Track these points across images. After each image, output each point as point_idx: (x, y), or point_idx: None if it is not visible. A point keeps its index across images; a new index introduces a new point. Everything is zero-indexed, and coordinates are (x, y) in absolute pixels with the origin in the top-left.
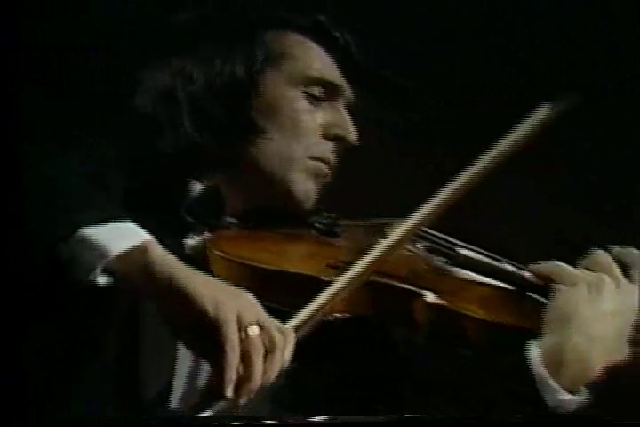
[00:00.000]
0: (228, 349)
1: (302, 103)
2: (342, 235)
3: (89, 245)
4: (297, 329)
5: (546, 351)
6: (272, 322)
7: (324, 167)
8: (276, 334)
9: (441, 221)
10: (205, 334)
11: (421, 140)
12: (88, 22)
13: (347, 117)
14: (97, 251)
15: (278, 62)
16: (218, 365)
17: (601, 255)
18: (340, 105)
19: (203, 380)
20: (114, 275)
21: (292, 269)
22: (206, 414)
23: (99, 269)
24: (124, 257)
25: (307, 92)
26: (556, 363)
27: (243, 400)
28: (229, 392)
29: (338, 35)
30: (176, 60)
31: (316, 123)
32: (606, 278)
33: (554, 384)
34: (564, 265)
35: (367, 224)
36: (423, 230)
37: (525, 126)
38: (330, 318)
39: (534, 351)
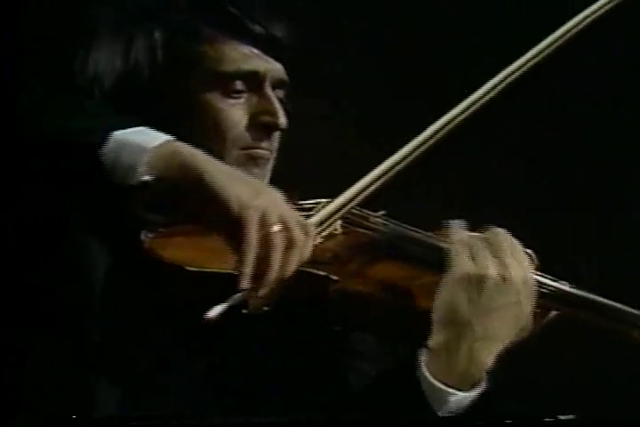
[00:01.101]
0: (245, 246)
1: (221, 101)
2: None
3: (126, 145)
4: (319, 225)
5: (433, 352)
6: (295, 219)
7: (260, 152)
8: (297, 233)
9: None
10: (228, 230)
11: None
12: None
13: (273, 102)
14: (135, 149)
15: (188, 66)
16: (237, 259)
17: (497, 235)
18: (267, 90)
19: None
20: (153, 172)
21: (215, 269)
22: (223, 305)
23: (142, 167)
24: (160, 152)
25: (226, 89)
26: (442, 364)
27: (260, 293)
28: (245, 284)
29: (239, 13)
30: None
31: (240, 115)
32: (490, 271)
33: (438, 385)
34: (456, 248)
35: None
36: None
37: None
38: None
39: (423, 351)
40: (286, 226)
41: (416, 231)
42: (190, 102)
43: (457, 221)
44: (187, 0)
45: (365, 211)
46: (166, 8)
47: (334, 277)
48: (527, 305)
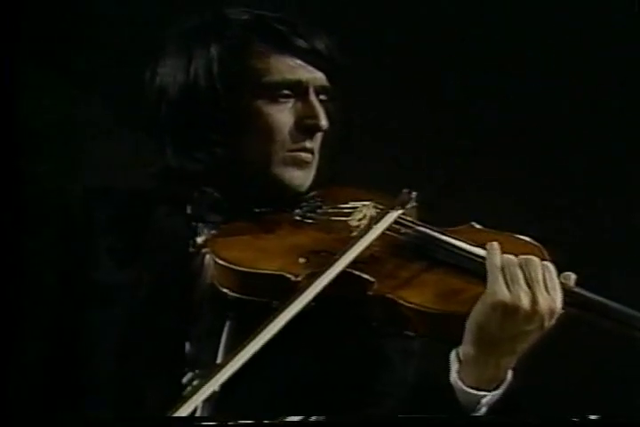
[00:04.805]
0: None
1: (270, 107)
2: (318, 221)
3: None
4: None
5: (464, 362)
6: None
7: (303, 156)
8: None
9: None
10: None
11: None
12: None
13: (316, 106)
14: None
15: (239, 77)
16: None
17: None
18: (311, 95)
19: None
20: None
21: (264, 269)
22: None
23: None
24: None
25: (273, 96)
26: (472, 373)
27: None
28: None
29: (285, 29)
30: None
31: (287, 120)
32: (522, 302)
33: (470, 391)
34: (498, 274)
35: (338, 210)
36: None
37: None
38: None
39: (453, 357)
40: None
41: (449, 236)
42: (243, 110)
43: (494, 244)
44: (238, 19)
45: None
46: (220, 26)
47: (371, 279)
48: (548, 326)
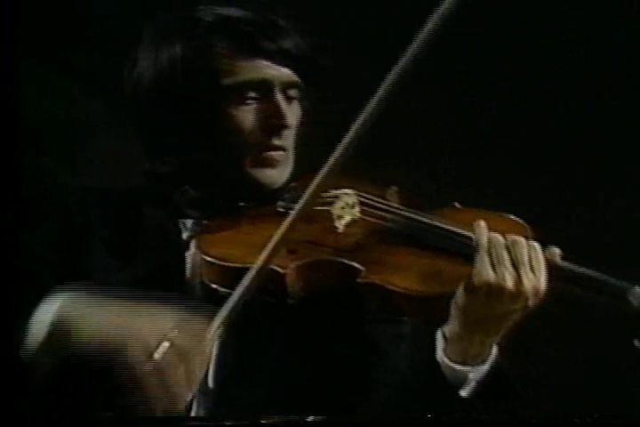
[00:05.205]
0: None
1: (236, 108)
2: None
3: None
4: (222, 324)
5: (450, 340)
6: (180, 336)
7: (273, 155)
8: (187, 347)
9: None
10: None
11: None
12: None
13: (280, 105)
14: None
15: (203, 79)
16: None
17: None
18: (276, 94)
19: None
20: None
21: (251, 264)
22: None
23: None
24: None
25: (240, 97)
26: (458, 350)
27: None
28: None
29: (250, 30)
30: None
31: (253, 120)
32: (508, 284)
33: (457, 366)
34: (485, 255)
35: (320, 199)
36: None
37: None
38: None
39: (439, 336)
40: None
41: (433, 218)
42: (208, 111)
43: (482, 223)
44: (204, 20)
45: (379, 199)
46: (187, 26)
47: (359, 267)
48: (534, 305)
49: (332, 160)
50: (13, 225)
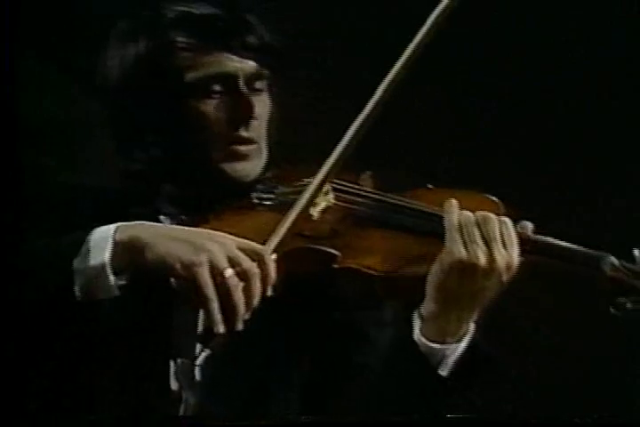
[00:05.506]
0: (205, 300)
1: (201, 103)
2: (275, 201)
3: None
4: (275, 250)
5: (426, 319)
6: (246, 253)
7: (242, 148)
8: (249, 266)
9: None
10: (187, 290)
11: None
12: None
13: (245, 96)
14: (95, 270)
15: (165, 75)
16: (205, 311)
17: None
18: (241, 86)
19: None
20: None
21: None
22: (205, 353)
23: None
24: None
25: (204, 92)
26: (435, 329)
27: (236, 328)
28: (220, 329)
29: (212, 25)
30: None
31: (219, 114)
32: (480, 261)
33: (434, 345)
34: (455, 232)
35: (293, 188)
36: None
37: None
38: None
39: (415, 316)
40: (237, 264)
41: (405, 200)
42: (173, 108)
43: (452, 202)
44: (166, 16)
45: (352, 184)
46: (150, 23)
47: (336, 252)
48: (508, 280)
49: (333, 156)
50: (13, 225)
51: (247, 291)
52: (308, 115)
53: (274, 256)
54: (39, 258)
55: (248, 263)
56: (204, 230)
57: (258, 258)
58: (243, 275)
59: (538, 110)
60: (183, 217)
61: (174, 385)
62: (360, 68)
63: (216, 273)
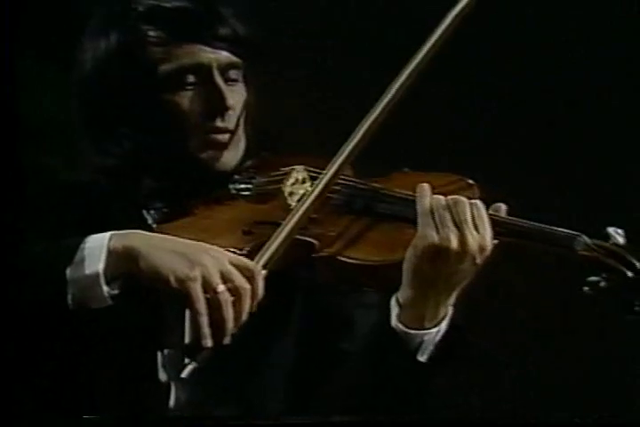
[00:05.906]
0: (196, 314)
1: (175, 95)
2: (253, 192)
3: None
4: (266, 265)
5: (403, 306)
6: (238, 269)
7: (219, 138)
8: (241, 282)
9: None
10: (178, 301)
11: None
12: None
13: (219, 86)
14: (89, 280)
15: (138, 67)
16: (194, 325)
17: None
18: (215, 77)
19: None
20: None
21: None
22: (191, 366)
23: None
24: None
25: (179, 83)
26: (412, 315)
27: (224, 343)
28: (208, 343)
29: (183, 18)
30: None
31: (194, 105)
32: (452, 244)
33: (411, 331)
34: (428, 216)
35: (271, 178)
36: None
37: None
38: None
39: (393, 303)
40: (229, 280)
41: (379, 186)
42: (147, 100)
43: (424, 186)
44: (136, 9)
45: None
46: (121, 16)
47: (314, 241)
48: (481, 262)
49: (345, 152)
50: (14, 225)
51: (237, 307)
52: (307, 115)
53: (264, 272)
54: (34, 266)
55: (240, 280)
56: (197, 243)
57: (249, 274)
58: (234, 291)
59: (531, 104)
60: (165, 210)
61: (163, 376)
62: (360, 68)
63: (208, 288)
